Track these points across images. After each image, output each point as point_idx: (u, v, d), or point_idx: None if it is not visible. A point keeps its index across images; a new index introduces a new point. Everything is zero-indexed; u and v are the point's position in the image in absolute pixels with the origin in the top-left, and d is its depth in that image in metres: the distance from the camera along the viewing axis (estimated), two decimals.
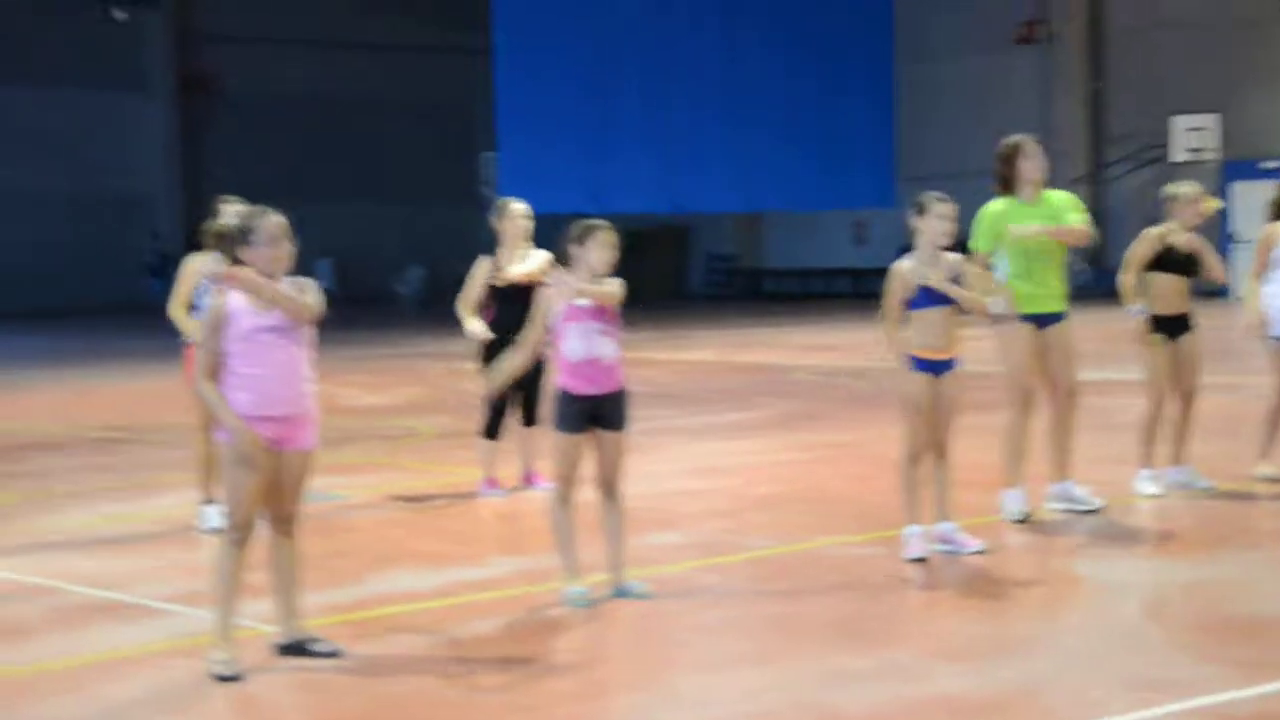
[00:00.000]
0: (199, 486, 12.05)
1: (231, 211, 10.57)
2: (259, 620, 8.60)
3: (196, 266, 11.90)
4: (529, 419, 13.35)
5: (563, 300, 9.28)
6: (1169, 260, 12.67)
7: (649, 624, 9.22)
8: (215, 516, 11.28)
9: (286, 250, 8.11)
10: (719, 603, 9.81)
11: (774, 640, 8.94)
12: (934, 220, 10.41)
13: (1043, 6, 42.93)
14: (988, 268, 11.76)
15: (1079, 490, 12.15)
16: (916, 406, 10.38)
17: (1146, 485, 12.73)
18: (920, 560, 10.23)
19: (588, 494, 9.57)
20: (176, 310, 12.12)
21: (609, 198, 33.42)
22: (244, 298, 7.88)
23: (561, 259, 9.68)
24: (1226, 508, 12.44)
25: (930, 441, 10.43)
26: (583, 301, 9.27)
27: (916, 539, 10.30)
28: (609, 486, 9.56)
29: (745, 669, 8.39)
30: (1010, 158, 11.94)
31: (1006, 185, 11.84)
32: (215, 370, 7.88)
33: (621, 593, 9.51)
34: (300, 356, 8.08)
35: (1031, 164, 11.92)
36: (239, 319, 7.90)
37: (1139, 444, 12.71)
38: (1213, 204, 12.61)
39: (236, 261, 8.11)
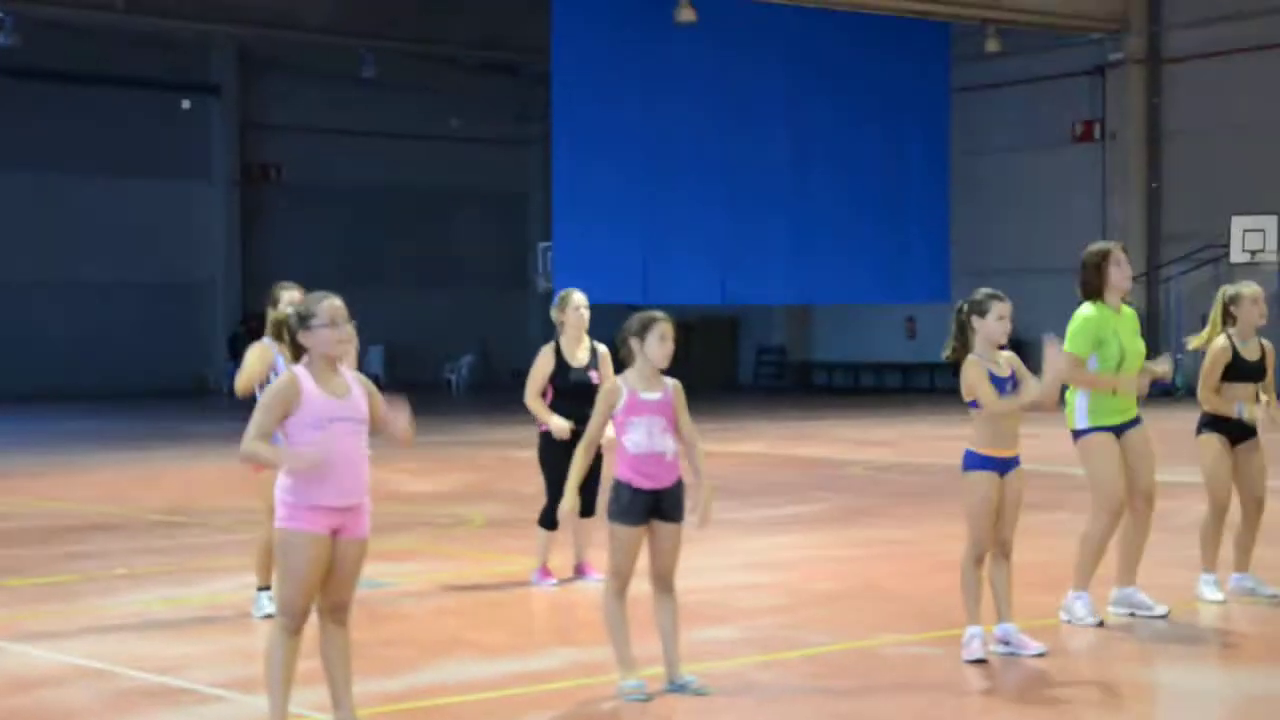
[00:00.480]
0: (256, 572, 12.04)
1: (288, 298, 10.56)
2: (313, 708, 8.55)
3: (259, 354, 11.89)
4: (586, 509, 13.22)
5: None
6: (1237, 368, 12.56)
7: None
8: (269, 603, 11.28)
9: (347, 333, 8.08)
10: (776, 699, 9.68)
11: None
12: (994, 322, 10.31)
13: (1101, 106, 42.93)
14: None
15: (1142, 595, 11.96)
16: (984, 505, 10.22)
17: (1209, 591, 12.61)
18: (980, 662, 10.05)
19: (641, 586, 9.45)
20: (242, 389, 12.09)
21: (661, 289, 33.39)
22: (314, 382, 7.83)
23: (617, 351, 9.65)
24: None
25: (994, 541, 10.28)
26: (653, 394, 9.25)
27: (977, 640, 10.12)
28: (664, 580, 9.41)
29: None
30: (1100, 265, 11.79)
31: (1093, 291, 11.67)
32: (267, 438, 7.82)
33: (677, 688, 9.35)
34: (364, 446, 8.02)
35: (1121, 272, 11.73)
36: (312, 404, 7.82)
37: (1202, 548, 12.50)
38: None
39: (297, 347, 8.07)
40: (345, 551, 8.00)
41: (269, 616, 11.00)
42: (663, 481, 9.24)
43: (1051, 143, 43.61)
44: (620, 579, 9.29)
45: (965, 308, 10.42)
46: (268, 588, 11.56)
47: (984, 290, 10.51)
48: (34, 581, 14.19)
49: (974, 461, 10.29)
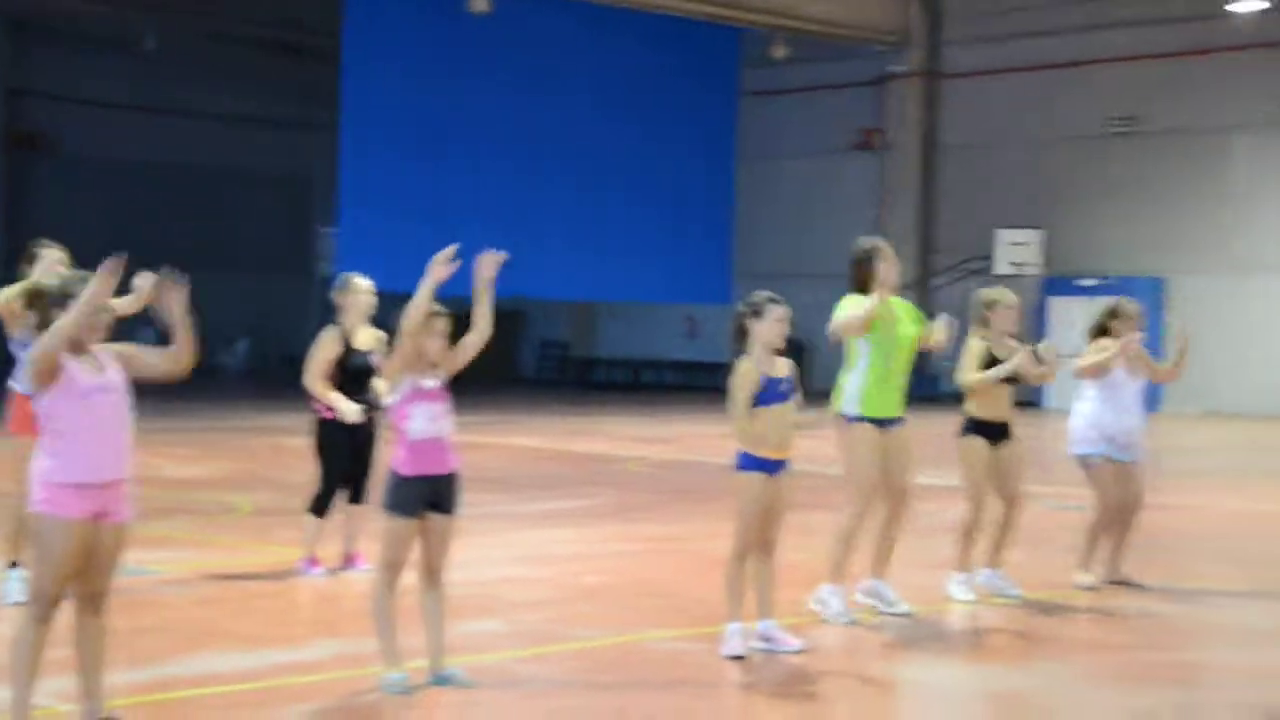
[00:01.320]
0: (5, 550, 11.72)
1: (50, 260, 10.31)
2: (57, 698, 8.34)
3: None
4: (355, 496, 13.16)
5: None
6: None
7: (468, 713, 9.08)
8: (18, 589, 11.02)
9: (106, 320, 7.93)
10: (541, 693, 9.68)
11: None
12: (771, 323, 10.39)
13: (882, 115, 43.45)
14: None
15: (888, 590, 12.23)
16: (753, 505, 10.30)
17: (960, 591, 12.83)
18: (740, 658, 10.14)
19: (409, 578, 9.37)
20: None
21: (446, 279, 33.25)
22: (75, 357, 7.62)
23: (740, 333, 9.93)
24: (1039, 616, 12.52)
25: (759, 540, 10.37)
26: (428, 384, 9.33)
27: (738, 637, 10.22)
28: (434, 572, 9.41)
29: None
30: (868, 260, 11.94)
31: (861, 286, 11.82)
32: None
33: (441, 680, 9.33)
34: (128, 420, 7.85)
35: (889, 267, 11.95)
36: (75, 377, 7.62)
37: (957, 547, 12.78)
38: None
39: (46, 323, 7.86)
40: (105, 537, 7.81)
41: (16, 604, 10.73)
42: (443, 466, 9.33)
43: (834, 150, 44.11)
44: (393, 571, 9.30)
45: (743, 310, 10.51)
46: (16, 565, 11.36)
47: (763, 293, 10.63)
48: None
49: (745, 463, 10.37)
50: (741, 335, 10.49)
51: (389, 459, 9.42)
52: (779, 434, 10.39)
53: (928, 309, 32.97)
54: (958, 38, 42.37)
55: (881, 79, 43.34)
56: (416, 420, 9.28)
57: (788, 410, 10.41)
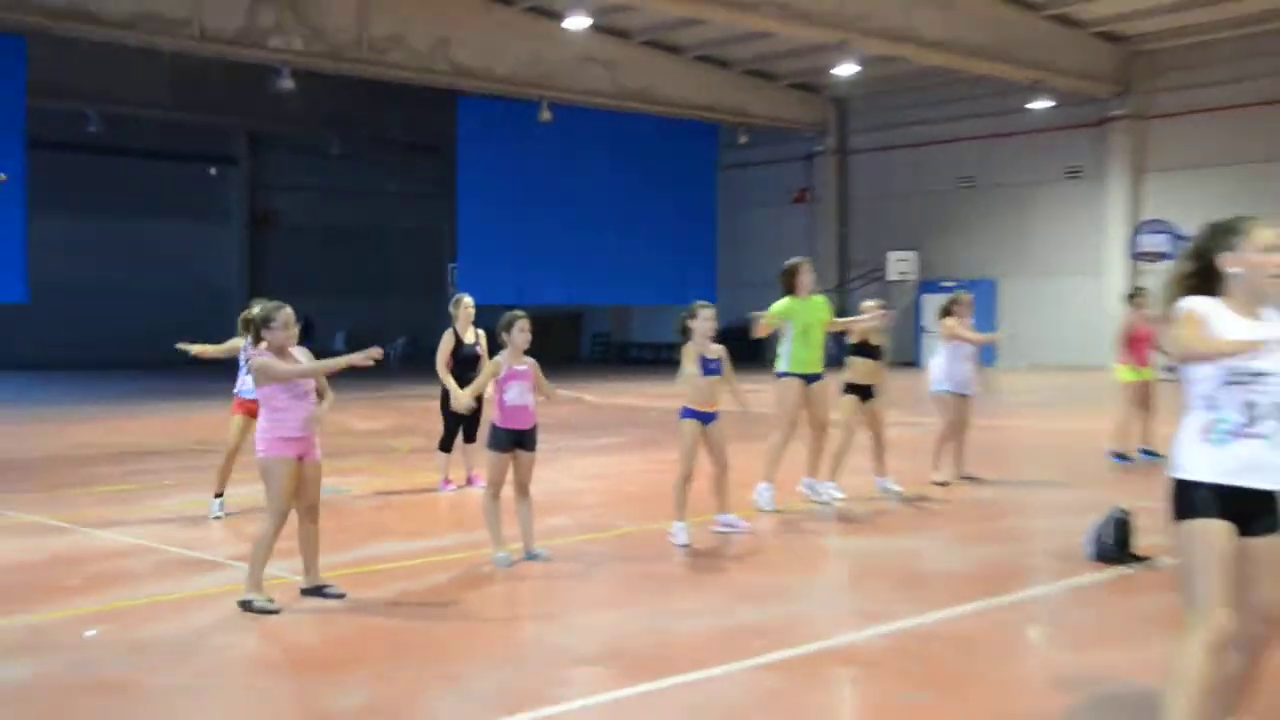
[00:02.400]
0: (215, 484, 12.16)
1: (260, 306, 10.64)
2: (290, 572, 8.68)
3: (235, 344, 12.05)
4: (470, 437, 13.51)
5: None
6: (863, 348, 13.07)
7: (550, 577, 9.30)
8: (218, 508, 11.92)
9: (294, 332, 8.41)
10: (597, 563, 9.92)
11: (633, 589, 9.11)
12: (702, 322, 10.71)
13: (811, 180, 43.55)
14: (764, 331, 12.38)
15: (822, 486, 12.62)
16: (690, 441, 10.62)
17: (823, 492, 12.88)
18: (685, 545, 10.36)
19: (508, 492, 9.64)
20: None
21: (529, 293, 33.92)
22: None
23: (495, 337, 9.96)
24: (914, 505, 12.60)
25: (689, 471, 10.62)
26: (520, 366, 9.66)
27: (683, 531, 10.49)
28: (523, 487, 9.77)
29: (614, 609, 8.53)
30: (794, 272, 12.34)
31: (788, 289, 12.20)
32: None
33: (531, 557, 9.67)
34: (312, 401, 8.44)
35: (807, 277, 12.35)
36: (293, 385, 8.33)
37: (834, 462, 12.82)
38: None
39: (259, 340, 8.34)
40: (308, 471, 8.23)
41: (218, 518, 11.85)
42: (525, 424, 9.63)
43: (781, 203, 44.19)
44: (495, 487, 9.62)
45: (684, 314, 10.80)
46: (220, 495, 11.98)
47: (698, 301, 11.05)
48: (109, 489, 14.04)
49: (686, 413, 10.69)
50: (685, 331, 10.74)
51: (491, 415, 9.68)
52: (710, 395, 10.67)
53: (845, 303, 33.28)
54: (860, 127, 42.34)
55: (810, 155, 43.33)
56: (510, 393, 9.61)
57: (716, 380, 10.68)
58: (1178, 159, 35.33)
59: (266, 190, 49.39)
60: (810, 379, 12.23)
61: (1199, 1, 31.80)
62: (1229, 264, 5.09)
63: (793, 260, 12.56)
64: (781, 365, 12.29)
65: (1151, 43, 35.52)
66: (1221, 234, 5.15)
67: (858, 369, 13.13)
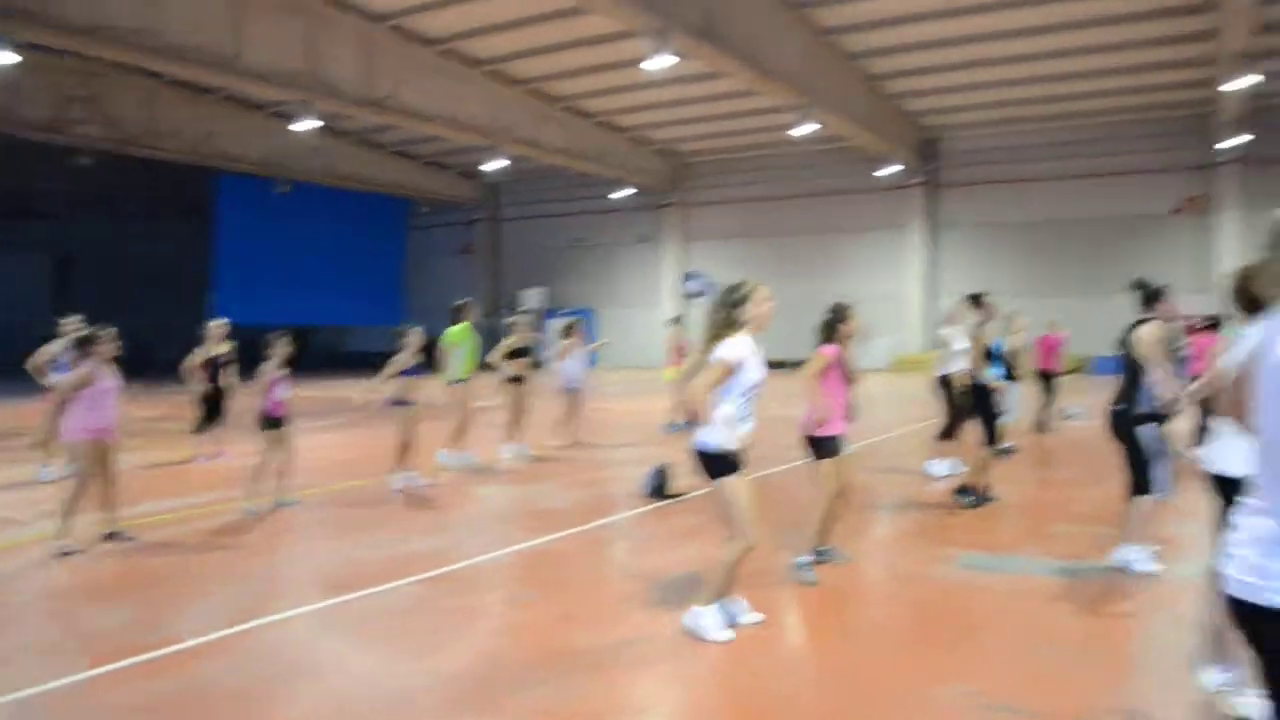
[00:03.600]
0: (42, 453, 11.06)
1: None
2: (94, 523, 8.05)
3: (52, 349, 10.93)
4: (217, 419, 12.74)
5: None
6: (519, 353, 13.12)
7: (282, 523, 8.86)
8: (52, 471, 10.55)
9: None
10: (317, 509, 9.46)
11: (341, 528, 8.75)
12: (412, 338, 10.38)
13: (473, 237, 43.14)
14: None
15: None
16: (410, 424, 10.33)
17: (507, 453, 12.77)
18: (400, 491, 10.10)
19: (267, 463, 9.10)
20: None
21: (273, 316, 32.58)
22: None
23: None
24: (539, 463, 12.45)
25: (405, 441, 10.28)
26: (281, 374, 9.20)
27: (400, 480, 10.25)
28: (286, 457, 9.22)
29: (325, 542, 8.22)
30: (463, 308, 12.06)
31: (459, 320, 11.99)
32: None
33: (282, 504, 9.26)
34: (113, 398, 7.77)
35: (474, 311, 12.06)
36: (96, 386, 7.70)
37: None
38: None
39: (84, 355, 7.70)
40: (108, 448, 7.71)
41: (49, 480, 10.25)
42: (282, 412, 9.13)
43: (455, 254, 43.55)
44: (263, 457, 9.01)
45: (398, 332, 10.49)
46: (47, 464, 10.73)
47: (408, 324, 10.64)
48: None
49: (392, 403, 10.42)
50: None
51: (263, 406, 9.18)
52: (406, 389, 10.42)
53: (497, 326, 33.27)
54: (509, 201, 42.11)
55: (473, 221, 42.76)
56: (278, 390, 9.15)
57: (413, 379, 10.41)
58: (712, 232, 37.10)
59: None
60: (469, 379, 12.12)
61: (721, 133, 33.57)
62: (746, 312, 5.50)
63: (463, 300, 12.32)
64: (455, 373, 12.01)
65: (693, 157, 37.13)
66: (736, 291, 5.55)
67: (515, 366, 13.14)
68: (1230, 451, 4.52)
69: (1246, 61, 22.48)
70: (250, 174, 33.07)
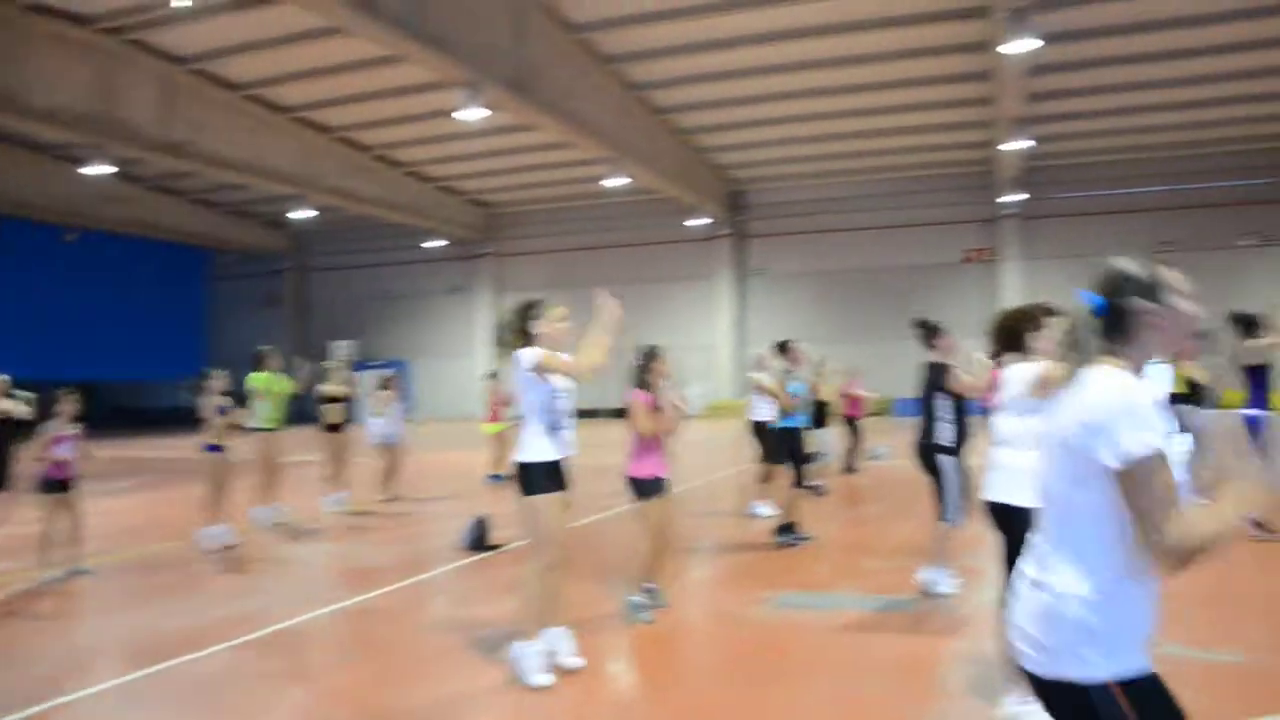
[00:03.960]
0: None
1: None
2: None
3: None
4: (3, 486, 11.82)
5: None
6: (334, 398, 12.86)
7: (80, 591, 8.32)
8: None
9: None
10: (113, 577, 8.97)
11: (144, 595, 8.29)
12: (215, 382, 10.07)
13: (281, 287, 41.90)
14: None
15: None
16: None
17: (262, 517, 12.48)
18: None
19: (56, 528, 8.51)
20: None
21: (51, 369, 30.87)
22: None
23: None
24: (357, 517, 12.16)
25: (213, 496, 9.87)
26: (68, 432, 8.74)
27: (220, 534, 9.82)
28: (75, 520, 8.63)
29: (127, 611, 7.76)
30: (264, 357, 11.59)
31: (259, 368, 11.53)
32: None
33: (76, 573, 8.69)
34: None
35: (276, 359, 11.65)
36: None
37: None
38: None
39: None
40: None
41: None
42: (66, 474, 8.72)
43: (259, 305, 42.25)
44: (45, 524, 8.43)
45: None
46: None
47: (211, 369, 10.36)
48: None
49: (208, 448, 9.93)
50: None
51: (37, 469, 8.56)
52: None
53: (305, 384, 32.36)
54: (320, 251, 41.33)
55: (279, 270, 41.68)
56: (60, 448, 8.66)
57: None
58: (526, 282, 37.21)
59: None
60: (275, 431, 11.70)
61: (534, 184, 33.91)
62: (540, 329, 5.61)
63: (263, 347, 11.97)
64: (257, 422, 11.63)
65: (506, 207, 37.29)
66: (530, 308, 5.64)
67: (331, 413, 12.84)
68: (1008, 481, 4.78)
69: (1020, 126, 24.36)
70: (35, 220, 31.23)
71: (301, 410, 13.37)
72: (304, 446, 14.00)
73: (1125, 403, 2.24)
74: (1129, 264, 2.45)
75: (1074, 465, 2.31)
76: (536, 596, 5.61)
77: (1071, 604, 2.29)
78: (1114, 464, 2.23)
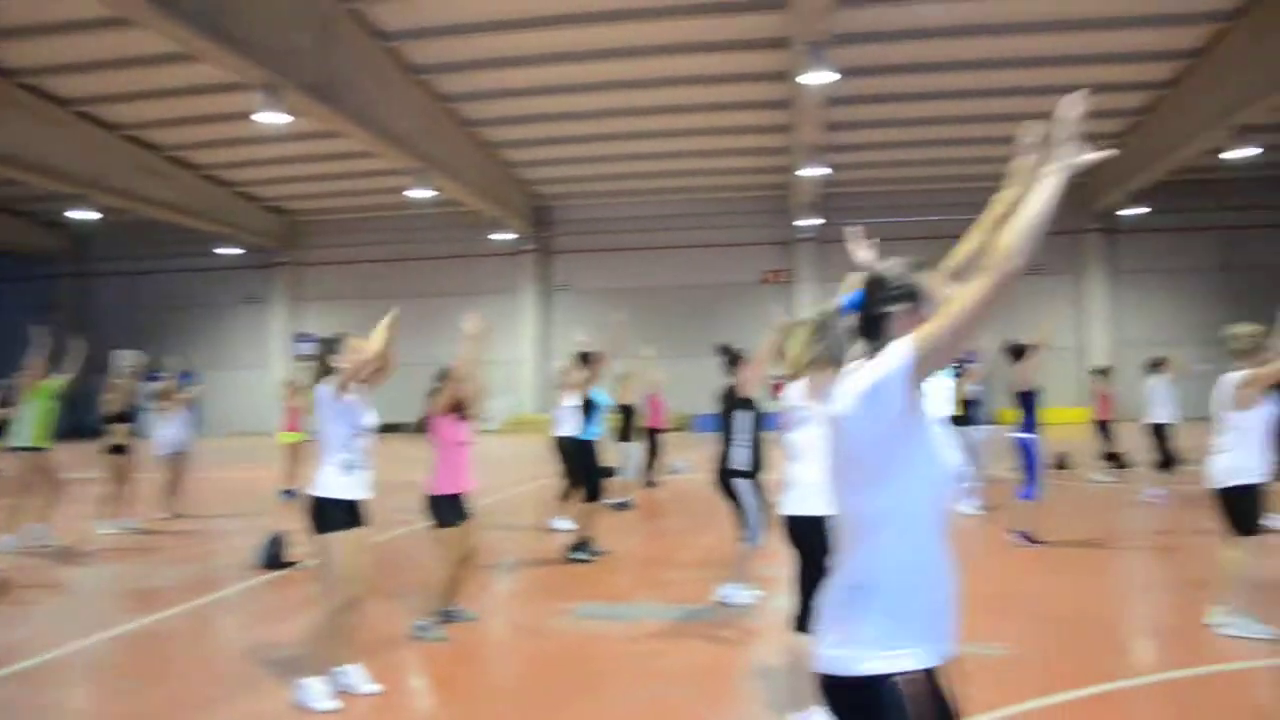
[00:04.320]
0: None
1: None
2: None
3: None
4: None
5: None
6: (122, 418, 12.13)
7: None
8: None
9: None
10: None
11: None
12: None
13: (56, 295, 39.18)
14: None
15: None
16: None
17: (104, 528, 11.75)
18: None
19: None
20: None
21: None
22: None
23: None
24: (143, 536, 11.58)
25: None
26: None
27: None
28: None
29: None
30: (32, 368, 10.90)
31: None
32: None
33: None
34: None
35: (42, 369, 10.98)
36: None
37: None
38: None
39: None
40: None
41: None
42: None
43: (28, 317, 39.32)
44: None
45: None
46: None
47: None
48: None
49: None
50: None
51: None
52: None
53: (82, 397, 30.41)
54: (104, 256, 38.86)
55: (54, 276, 39.02)
56: None
57: None
58: (325, 293, 36.20)
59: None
60: (46, 449, 10.90)
61: (336, 193, 33.09)
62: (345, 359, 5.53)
63: (34, 358, 11.22)
64: (24, 439, 10.78)
65: (307, 215, 36.18)
66: (332, 344, 5.57)
67: (118, 434, 12.12)
68: (802, 495, 4.94)
69: (816, 154, 25.46)
70: None
71: (80, 423, 12.58)
72: (82, 464, 13.17)
73: (881, 362, 2.37)
74: (886, 267, 2.57)
75: (863, 454, 2.37)
76: (328, 635, 5.47)
77: (867, 601, 2.36)
78: (905, 377, 2.29)
